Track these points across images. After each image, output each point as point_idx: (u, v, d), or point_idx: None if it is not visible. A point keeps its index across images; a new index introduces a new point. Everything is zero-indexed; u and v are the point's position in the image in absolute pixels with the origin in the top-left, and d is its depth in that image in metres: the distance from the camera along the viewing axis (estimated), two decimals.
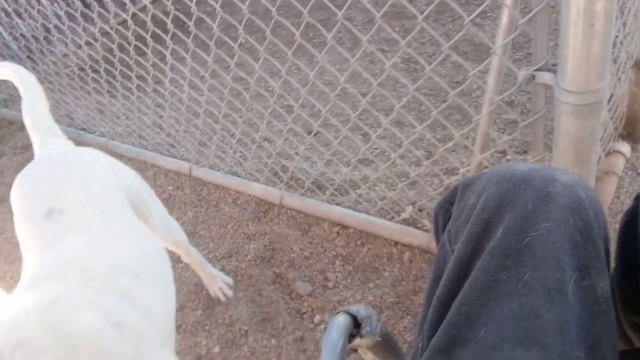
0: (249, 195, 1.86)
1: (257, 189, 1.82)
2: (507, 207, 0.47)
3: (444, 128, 1.76)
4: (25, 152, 2.53)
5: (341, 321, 0.75)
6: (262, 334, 1.42)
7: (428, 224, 1.41)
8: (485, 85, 1.02)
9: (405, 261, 1.42)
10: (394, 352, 0.83)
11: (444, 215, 0.62)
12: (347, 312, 0.76)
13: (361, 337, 0.77)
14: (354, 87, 1.87)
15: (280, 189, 1.77)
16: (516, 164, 0.53)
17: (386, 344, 0.85)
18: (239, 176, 1.91)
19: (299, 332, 1.39)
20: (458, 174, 1.30)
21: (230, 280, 1.56)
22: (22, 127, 2.74)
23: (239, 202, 1.86)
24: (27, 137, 2.67)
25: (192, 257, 1.41)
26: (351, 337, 0.76)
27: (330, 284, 1.47)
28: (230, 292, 1.53)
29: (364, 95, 1.39)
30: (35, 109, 1.18)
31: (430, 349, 0.46)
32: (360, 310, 0.77)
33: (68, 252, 0.83)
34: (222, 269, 1.61)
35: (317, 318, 1.41)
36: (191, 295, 1.58)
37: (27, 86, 1.20)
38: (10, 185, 2.33)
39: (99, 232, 0.89)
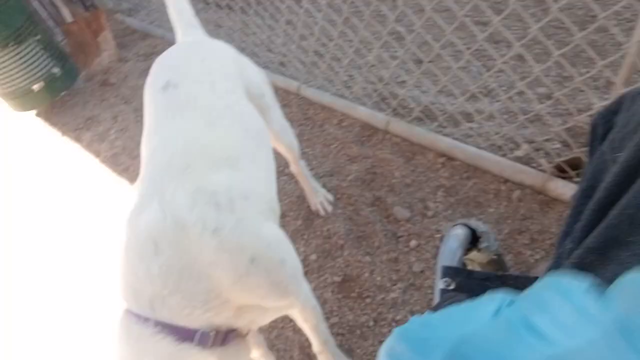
0: (355, 119, 1.86)
1: (363, 112, 1.82)
2: None
3: (581, 63, 1.61)
4: (147, 59, 2.71)
5: (460, 233, 0.76)
6: (357, 250, 1.47)
7: (545, 163, 1.34)
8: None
9: (513, 200, 1.37)
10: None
11: (604, 125, 0.58)
12: (467, 225, 0.77)
13: (478, 251, 0.78)
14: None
15: (387, 114, 1.75)
16: None
17: (500, 264, 0.85)
18: (346, 99, 1.92)
19: (393, 253, 1.42)
20: (591, 110, 1.20)
21: (331, 196, 1.61)
22: (144, 36, 2.92)
23: (344, 124, 1.88)
24: (149, 46, 2.85)
25: (300, 167, 1.46)
26: (467, 250, 0.77)
27: (429, 213, 1.47)
28: (330, 208, 1.59)
29: (484, 24, 1.30)
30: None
31: (583, 247, 0.44)
32: (479, 225, 0.77)
33: (171, 132, 0.87)
34: (324, 186, 1.66)
35: (412, 243, 1.42)
36: (293, 206, 1.65)
37: None
38: (134, 88, 2.54)
39: (204, 109, 0.91)
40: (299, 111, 2.02)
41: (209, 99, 0.93)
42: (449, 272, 0.70)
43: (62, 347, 1.52)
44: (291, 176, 1.75)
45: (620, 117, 0.56)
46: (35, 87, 2.41)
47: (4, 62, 2.26)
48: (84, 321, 1.56)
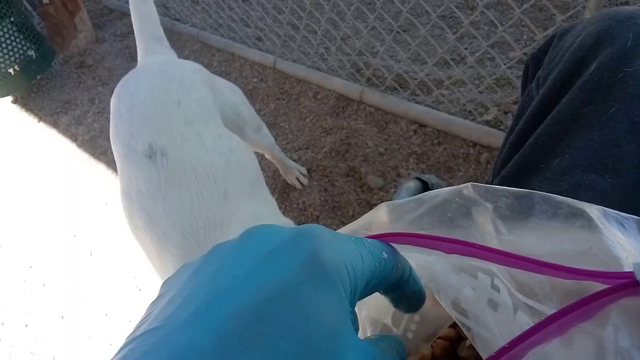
0: (330, 90, 1.85)
1: (338, 83, 1.81)
2: (605, 43, 0.43)
3: (547, 25, 1.60)
4: (124, 39, 2.67)
5: (411, 186, 0.76)
6: (332, 220, 1.48)
7: None
8: None
9: (482, 162, 1.38)
10: None
11: (535, 65, 0.58)
12: (418, 178, 0.77)
13: None
14: None
15: (361, 84, 1.74)
16: (624, 6, 0.48)
17: None
18: (322, 71, 1.90)
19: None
20: None
21: (304, 170, 1.61)
22: (121, 15, 2.88)
23: (319, 96, 1.87)
24: (126, 25, 2.81)
25: (276, 155, 1.46)
26: None
27: (402, 180, 1.48)
28: (305, 181, 1.59)
29: None
30: (145, 1, 1.15)
31: (499, 178, 0.45)
32: (431, 177, 0.77)
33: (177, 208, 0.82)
34: (299, 159, 1.67)
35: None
36: (269, 180, 1.66)
37: None
38: (110, 69, 2.51)
39: (205, 176, 0.85)
40: (275, 85, 2.01)
41: (205, 160, 0.86)
42: None
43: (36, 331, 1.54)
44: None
45: (548, 55, 0.56)
46: (11, 70, 2.38)
47: None
48: (60, 306, 1.58)
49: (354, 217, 1.46)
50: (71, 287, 1.60)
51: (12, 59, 2.36)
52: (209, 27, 2.40)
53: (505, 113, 1.41)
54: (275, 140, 1.74)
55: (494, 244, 0.27)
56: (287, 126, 1.83)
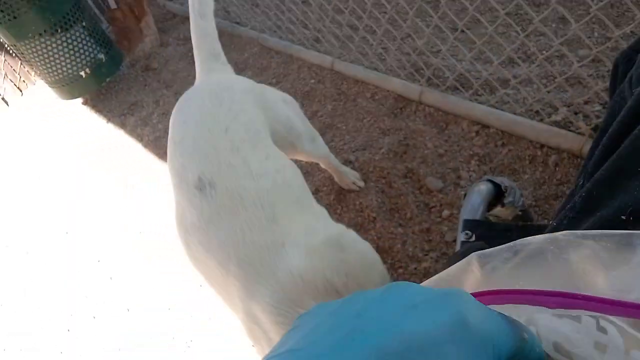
0: (388, 91, 1.83)
1: (397, 84, 1.79)
2: None
3: (621, 21, 1.51)
4: (187, 43, 2.77)
5: (483, 189, 0.74)
6: (389, 222, 1.46)
7: (584, 126, 1.27)
8: None
9: (550, 164, 1.31)
10: None
11: (626, 64, 0.55)
12: (491, 181, 0.75)
13: (502, 206, 0.76)
14: None
15: (421, 84, 1.71)
16: None
17: (525, 219, 0.83)
18: (380, 71, 1.89)
19: (425, 223, 1.40)
20: None
21: (358, 175, 1.60)
22: (184, 20, 2.98)
23: (377, 97, 1.85)
24: (188, 30, 2.90)
25: (331, 162, 1.45)
26: (491, 206, 0.75)
27: (462, 182, 1.44)
28: (362, 183, 1.58)
29: None
30: (204, 16, 1.17)
31: (592, 181, 0.43)
32: (504, 180, 0.75)
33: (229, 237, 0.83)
34: (356, 160, 1.66)
35: (445, 212, 1.40)
36: (326, 181, 1.66)
37: None
38: (174, 72, 2.60)
39: (253, 206, 0.86)
40: (332, 86, 2.01)
41: (251, 187, 0.87)
42: (469, 224, 0.69)
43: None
44: None
45: None
46: (82, 73, 2.52)
47: (52, 49, 2.37)
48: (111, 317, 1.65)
49: (411, 220, 1.43)
50: (136, 281, 1.67)
51: (84, 62, 2.50)
52: (268, 29, 2.44)
53: (576, 114, 1.34)
54: (332, 141, 1.74)
55: (599, 287, 0.26)
56: (344, 127, 1.83)
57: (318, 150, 1.30)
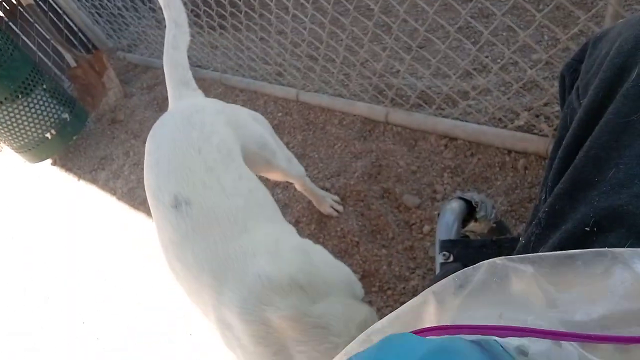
0: (355, 115, 1.86)
1: (362, 108, 1.82)
2: None
3: (567, 22, 1.58)
4: (150, 91, 2.78)
5: (455, 206, 0.75)
6: (372, 244, 1.47)
7: (546, 127, 1.31)
8: None
9: (519, 169, 1.35)
10: None
11: (571, 75, 0.57)
12: (461, 198, 0.76)
13: (475, 221, 0.77)
14: None
15: (385, 106, 1.75)
16: None
17: (501, 231, 0.84)
18: (344, 97, 1.92)
19: (408, 241, 1.41)
20: None
21: (337, 198, 1.61)
22: (145, 69, 3.00)
23: (344, 122, 1.88)
24: (151, 78, 2.91)
25: (307, 185, 1.47)
26: (465, 222, 0.76)
27: (438, 196, 1.45)
28: (340, 208, 1.59)
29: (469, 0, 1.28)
30: (177, 48, 1.23)
31: (553, 195, 0.44)
32: (474, 195, 0.76)
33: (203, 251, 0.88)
34: (332, 187, 1.67)
35: (425, 228, 1.41)
36: (305, 211, 1.66)
37: (176, 19, 1.24)
38: (141, 122, 2.59)
39: (226, 219, 0.90)
40: (300, 117, 2.03)
41: (225, 205, 0.92)
42: (445, 245, 0.70)
43: None
44: None
45: (584, 64, 0.55)
46: (48, 135, 2.49)
47: (14, 115, 2.35)
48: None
49: (394, 239, 1.44)
50: (123, 339, 1.62)
51: (48, 123, 2.48)
52: (230, 69, 2.47)
53: (537, 116, 1.38)
54: (306, 170, 1.75)
55: (547, 316, 0.27)
56: (316, 155, 1.84)
57: (294, 169, 1.33)
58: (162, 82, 2.98)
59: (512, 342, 0.26)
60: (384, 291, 1.35)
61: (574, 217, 0.41)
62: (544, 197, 0.48)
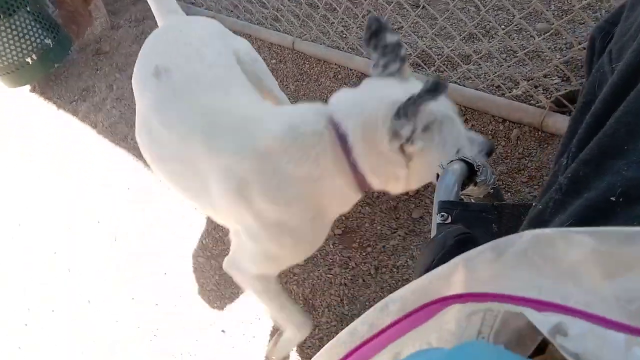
0: (351, 69, 1.81)
1: (360, 62, 1.77)
2: None
3: None
4: (139, 24, 2.65)
5: (457, 168, 0.73)
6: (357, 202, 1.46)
7: (544, 99, 1.29)
8: None
9: (512, 138, 1.33)
10: None
11: (603, 38, 0.54)
12: (463, 160, 0.74)
13: (475, 184, 0.75)
14: None
15: None
16: None
17: (497, 198, 0.83)
18: (342, 50, 1.86)
19: (392, 202, 1.40)
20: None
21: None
22: (135, 1, 2.85)
23: (340, 76, 1.83)
24: (141, 10, 2.78)
25: None
26: (464, 185, 0.74)
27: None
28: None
29: None
30: None
31: (577, 161, 0.42)
32: (477, 158, 0.74)
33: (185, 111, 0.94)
34: None
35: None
36: None
37: None
38: (127, 55, 2.49)
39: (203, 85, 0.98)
40: (294, 66, 1.97)
41: (207, 74, 0.97)
42: (445, 206, 0.68)
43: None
44: None
45: (618, 27, 0.52)
46: (29, 59, 2.37)
47: None
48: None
49: (379, 198, 1.43)
50: (96, 272, 1.60)
51: (30, 48, 2.36)
52: (225, 9, 2.36)
53: (536, 87, 1.36)
54: None
55: (600, 293, 0.25)
56: None
57: (282, 95, 1.35)
58: (152, 16, 2.82)
59: (551, 318, 0.24)
60: (363, 248, 1.35)
61: (599, 185, 0.39)
62: (565, 163, 0.45)
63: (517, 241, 0.29)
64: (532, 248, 0.28)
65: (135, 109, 1.12)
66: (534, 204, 0.47)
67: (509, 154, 1.31)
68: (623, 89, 0.42)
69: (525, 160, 1.28)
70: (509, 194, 1.25)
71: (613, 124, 0.41)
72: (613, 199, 0.36)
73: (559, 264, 0.26)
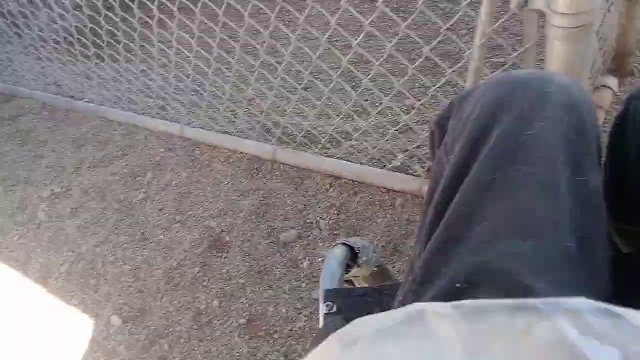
0: (242, 153, 1.85)
1: (250, 145, 1.81)
2: (504, 109, 0.46)
3: (435, 72, 1.74)
4: (13, 122, 2.48)
5: (338, 253, 0.76)
6: (259, 285, 1.44)
7: (419, 169, 1.41)
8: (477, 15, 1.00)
9: (397, 207, 1.42)
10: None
11: (440, 131, 0.61)
12: (344, 244, 0.77)
13: (358, 266, 0.78)
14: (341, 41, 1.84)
15: (273, 144, 1.76)
16: (515, 71, 0.52)
17: (382, 274, 0.87)
18: (231, 134, 1.90)
19: (295, 281, 1.40)
20: None
21: None
22: (8, 98, 2.71)
23: (231, 160, 1.85)
24: (14, 107, 2.63)
25: None
26: (348, 267, 0.77)
27: (324, 234, 1.48)
28: None
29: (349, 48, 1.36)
30: None
31: (426, 251, 0.45)
32: (356, 241, 0.78)
33: None
34: (217, 226, 1.62)
35: (305, 264, 1.42)
36: (187, 254, 1.58)
37: None
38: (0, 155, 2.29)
39: None
40: (185, 154, 1.96)
41: None
42: (329, 295, 0.70)
43: None
44: (183, 223, 1.68)
45: (451, 122, 0.59)
46: None
47: None
48: None
49: (280, 279, 1.43)
50: None
51: None
52: (107, 101, 2.32)
53: (411, 157, 1.48)
54: (190, 210, 1.69)
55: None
56: (202, 194, 1.78)
57: None
58: (27, 113, 2.71)
59: None
60: (270, 335, 1.32)
61: (447, 273, 0.42)
62: (418, 252, 0.49)
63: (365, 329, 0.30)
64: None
65: None
66: (397, 294, 0.50)
67: (396, 222, 1.40)
68: (456, 181, 0.47)
69: (412, 225, 1.37)
70: (404, 259, 1.31)
71: (452, 214, 0.45)
72: (459, 285, 0.39)
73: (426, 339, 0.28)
